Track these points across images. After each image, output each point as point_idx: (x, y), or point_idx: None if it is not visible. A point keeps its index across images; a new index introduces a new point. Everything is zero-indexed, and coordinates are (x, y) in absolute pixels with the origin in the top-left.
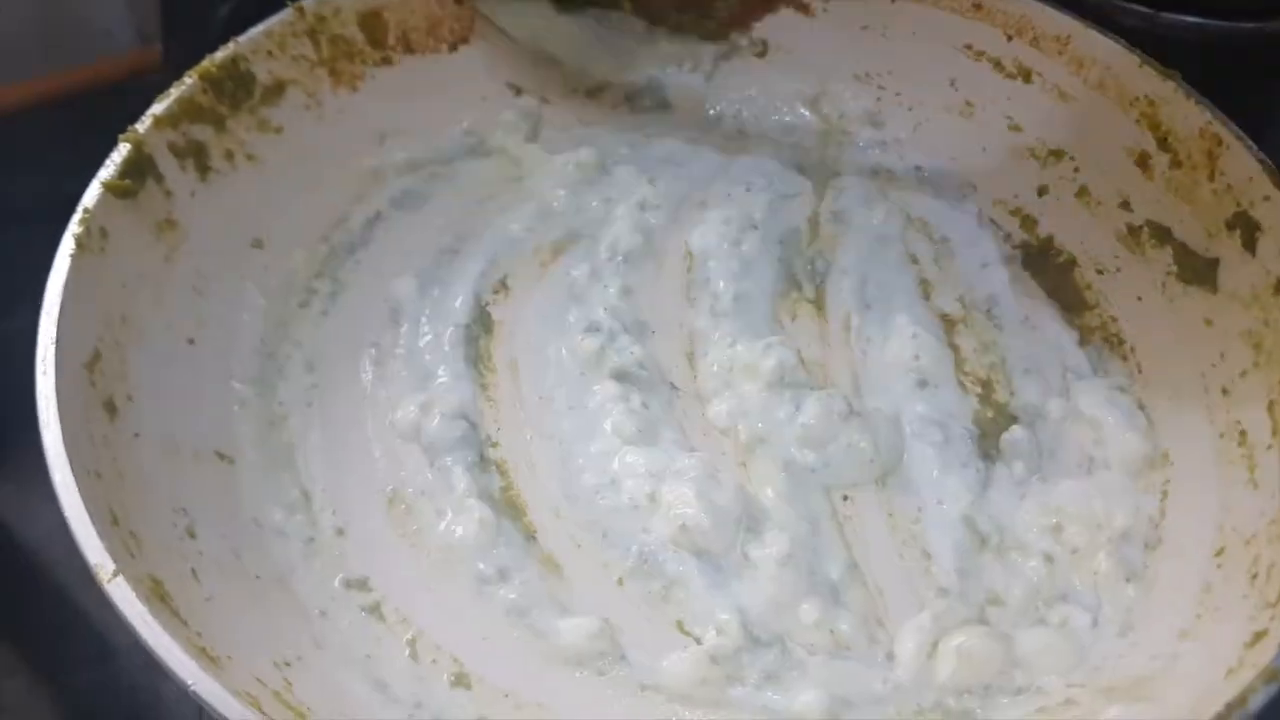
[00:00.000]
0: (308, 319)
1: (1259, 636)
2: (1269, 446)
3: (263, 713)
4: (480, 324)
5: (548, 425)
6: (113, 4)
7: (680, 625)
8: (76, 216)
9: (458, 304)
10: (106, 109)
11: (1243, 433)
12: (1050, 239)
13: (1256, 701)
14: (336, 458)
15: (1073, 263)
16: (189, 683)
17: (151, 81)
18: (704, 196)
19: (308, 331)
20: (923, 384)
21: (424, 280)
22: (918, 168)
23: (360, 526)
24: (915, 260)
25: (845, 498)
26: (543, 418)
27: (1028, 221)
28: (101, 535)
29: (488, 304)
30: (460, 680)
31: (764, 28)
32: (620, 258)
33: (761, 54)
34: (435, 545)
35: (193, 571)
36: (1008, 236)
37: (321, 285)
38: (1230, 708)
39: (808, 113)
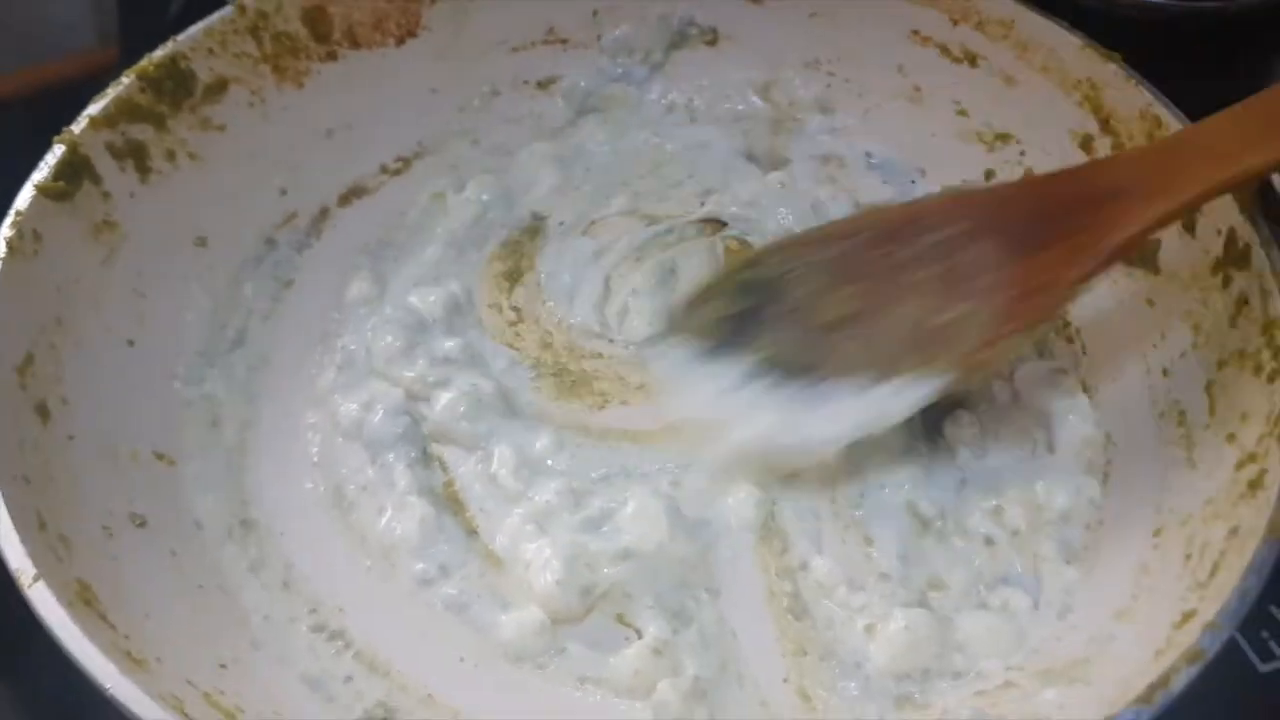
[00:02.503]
0: (252, 318)
1: (1187, 617)
2: (1206, 426)
3: (186, 715)
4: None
5: None
6: (74, 3)
7: (621, 618)
8: (8, 219)
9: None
10: (67, 109)
11: (1182, 413)
12: None
13: (1179, 682)
14: (279, 457)
15: None
16: (106, 686)
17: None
18: None
19: (252, 330)
20: None
21: (370, 277)
22: (867, 153)
23: (301, 526)
24: None
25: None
26: None
27: None
28: (24, 540)
29: (433, 299)
30: (397, 678)
31: (713, 16)
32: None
33: (712, 43)
34: (376, 543)
35: (127, 575)
36: None
37: (267, 284)
38: (1153, 689)
39: (759, 100)
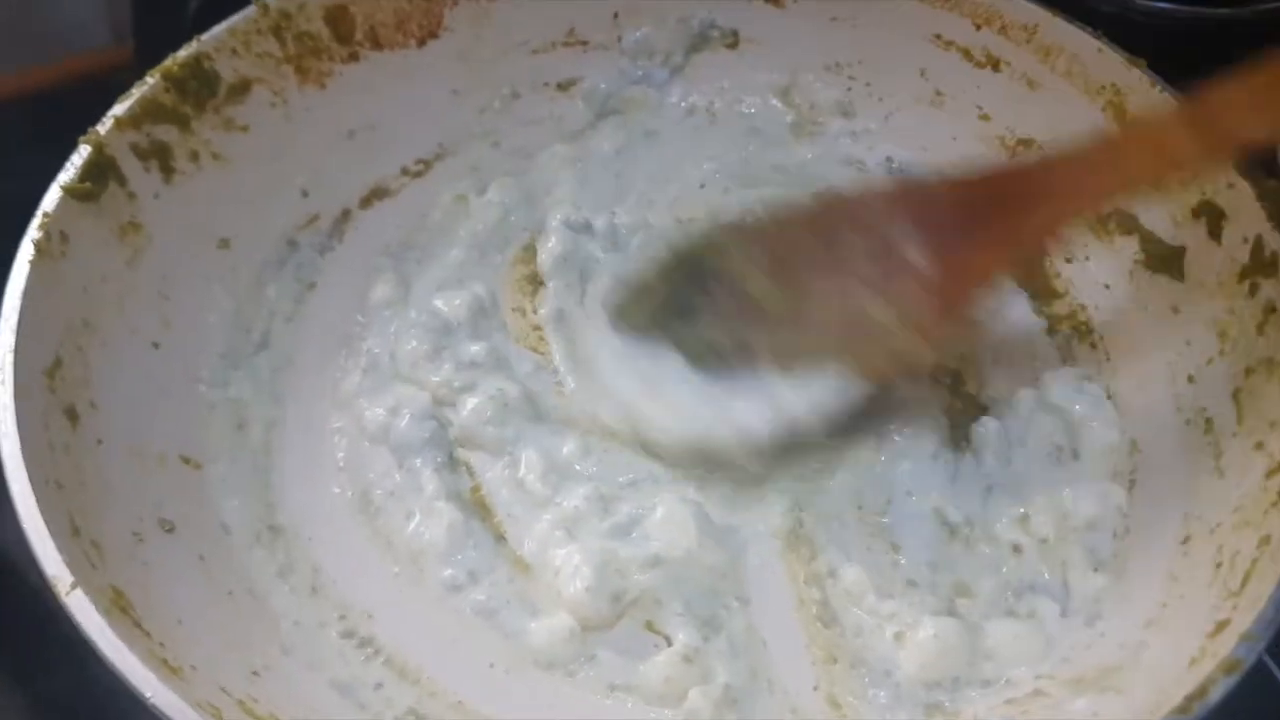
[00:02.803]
0: (276, 320)
1: (1221, 626)
2: (1234, 434)
3: None
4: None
5: None
6: (88, 0)
7: (650, 625)
8: (35, 221)
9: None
10: (80, 106)
11: (1209, 420)
12: None
13: (1217, 693)
14: (305, 461)
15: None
16: (147, 695)
17: (126, 79)
18: None
19: (276, 333)
20: None
21: (393, 280)
22: (888, 158)
23: (328, 530)
24: None
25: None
26: None
27: None
28: (60, 548)
29: (458, 302)
30: (427, 685)
31: (733, 19)
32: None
33: (732, 45)
34: (404, 548)
35: (157, 580)
36: None
37: (290, 286)
38: (1190, 700)
39: (779, 104)
